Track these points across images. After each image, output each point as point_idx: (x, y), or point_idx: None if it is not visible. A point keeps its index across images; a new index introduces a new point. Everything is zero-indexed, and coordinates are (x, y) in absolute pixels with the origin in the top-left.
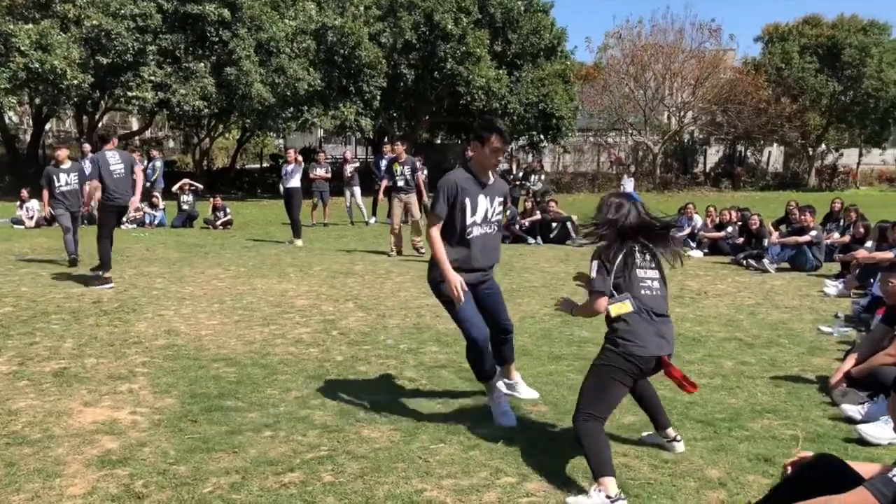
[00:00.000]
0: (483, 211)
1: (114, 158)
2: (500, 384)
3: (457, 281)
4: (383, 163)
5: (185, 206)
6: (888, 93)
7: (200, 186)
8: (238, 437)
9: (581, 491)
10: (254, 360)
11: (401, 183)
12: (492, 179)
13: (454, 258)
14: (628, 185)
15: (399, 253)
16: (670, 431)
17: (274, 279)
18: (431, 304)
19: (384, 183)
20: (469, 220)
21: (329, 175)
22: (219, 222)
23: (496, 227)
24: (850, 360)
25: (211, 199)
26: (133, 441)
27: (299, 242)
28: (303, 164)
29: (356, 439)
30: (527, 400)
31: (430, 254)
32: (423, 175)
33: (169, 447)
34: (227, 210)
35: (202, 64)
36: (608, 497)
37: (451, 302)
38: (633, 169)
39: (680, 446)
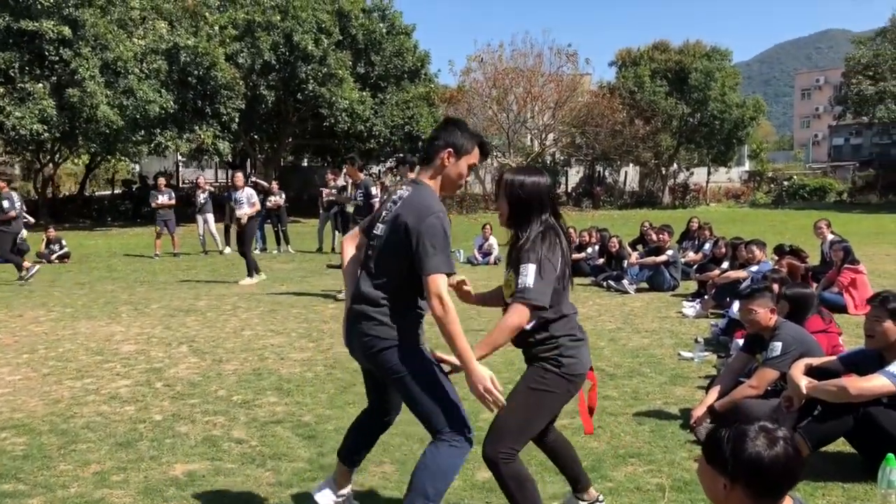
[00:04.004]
0: None
1: None
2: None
3: (489, 378)
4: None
5: None
6: (731, 115)
7: (31, 220)
8: None
9: None
10: (53, 425)
11: (350, 209)
12: None
13: (422, 316)
14: None
15: None
16: (592, 492)
17: (102, 321)
18: (276, 343)
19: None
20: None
21: (173, 202)
22: (53, 256)
23: None
24: (713, 393)
25: (44, 232)
26: None
27: (257, 279)
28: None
29: None
30: None
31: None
32: (381, 199)
33: None
34: (63, 242)
35: (40, 84)
36: None
37: (423, 381)
38: None
39: None
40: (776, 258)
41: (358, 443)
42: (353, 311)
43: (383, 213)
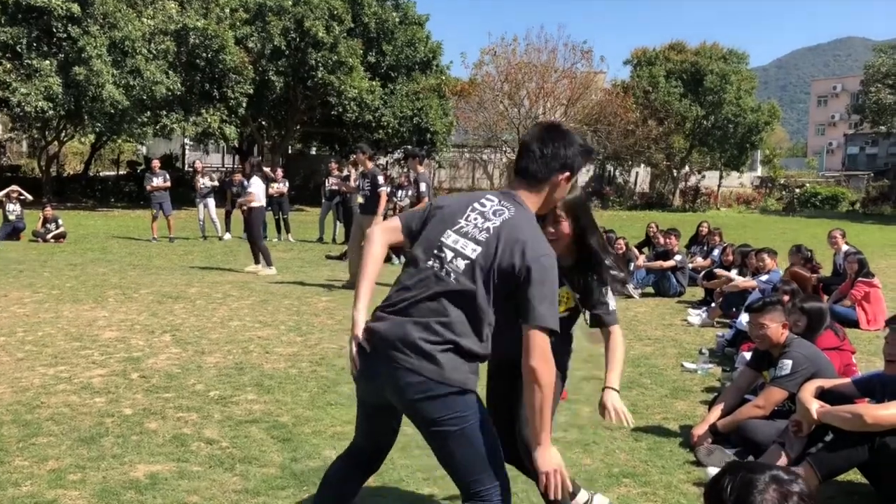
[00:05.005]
0: None
1: None
2: None
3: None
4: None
5: (10, 217)
6: (745, 119)
7: (29, 197)
8: None
9: None
10: (17, 415)
11: (360, 199)
12: None
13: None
14: None
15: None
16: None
17: (87, 305)
18: (263, 336)
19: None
20: None
21: (168, 184)
22: (49, 235)
23: None
24: (716, 411)
25: (42, 210)
26: None
27: (271, 271)
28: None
29: None
30: None
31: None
32: (386, 190)
33: None
34: (60, 222)
35: (47, 62)
36: None
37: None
38: None
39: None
40: (791, 262)
41: (344, 496)
42: (393, 340)
43: (461, 224)
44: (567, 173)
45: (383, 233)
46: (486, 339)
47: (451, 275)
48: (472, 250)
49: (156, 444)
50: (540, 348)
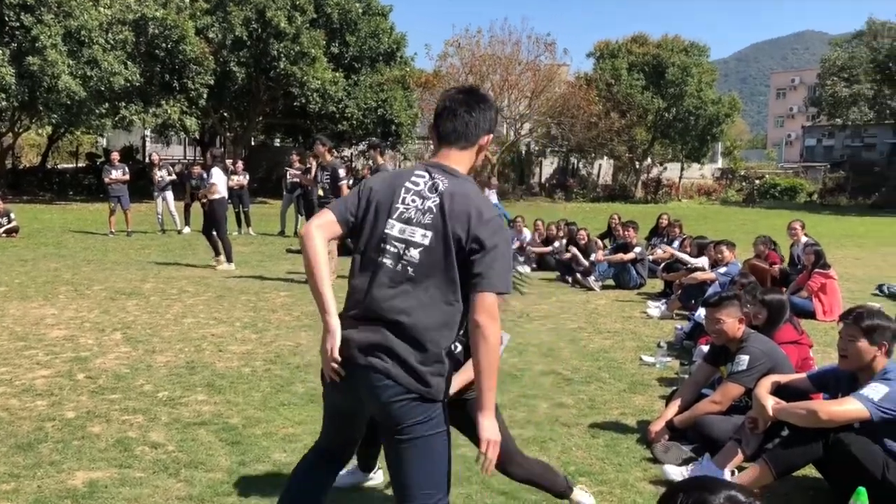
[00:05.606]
0: None
1: None
2: None
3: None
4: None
5: None
6: (706, 111)
7: None
8: None
9: None
10: None
11: (319, 192)
12: None
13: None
14: (492, 196)
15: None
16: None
17: (36, 302)
18: (217, 333)
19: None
20: None
21: (127, 177)
22: (0, 230)
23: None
24: (673, 407)
25: None
26: None
27: (230, 266)
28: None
29: None
30: None
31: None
32: (348, 183)
33: None
34: (12, 216)
35: None
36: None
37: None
38: (494, 181)
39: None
40: (756, 253)
41: (320, 485)
42: (367, 346)
43: (400, 209)
44: (491, 135)
45: (319, 229)
46: (457, 331)
47: (409, 268)
48: (423, 236)
49: (98, 450)
50: (488, 308)
